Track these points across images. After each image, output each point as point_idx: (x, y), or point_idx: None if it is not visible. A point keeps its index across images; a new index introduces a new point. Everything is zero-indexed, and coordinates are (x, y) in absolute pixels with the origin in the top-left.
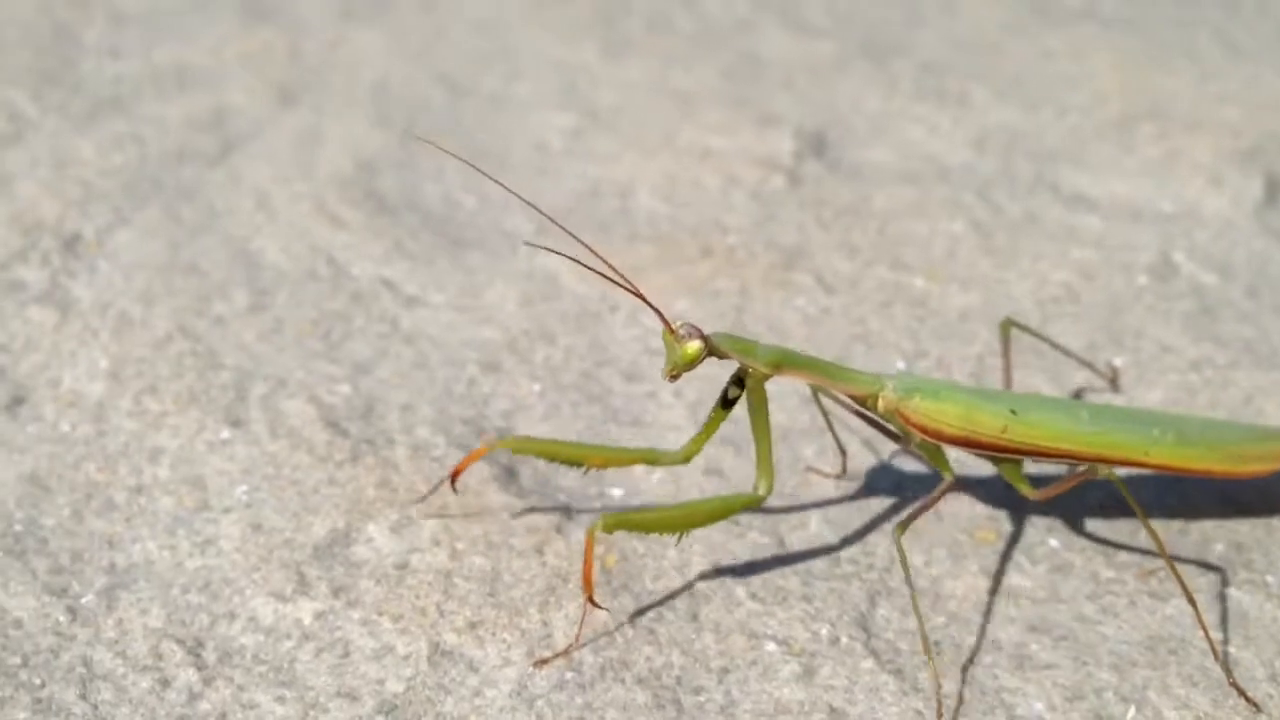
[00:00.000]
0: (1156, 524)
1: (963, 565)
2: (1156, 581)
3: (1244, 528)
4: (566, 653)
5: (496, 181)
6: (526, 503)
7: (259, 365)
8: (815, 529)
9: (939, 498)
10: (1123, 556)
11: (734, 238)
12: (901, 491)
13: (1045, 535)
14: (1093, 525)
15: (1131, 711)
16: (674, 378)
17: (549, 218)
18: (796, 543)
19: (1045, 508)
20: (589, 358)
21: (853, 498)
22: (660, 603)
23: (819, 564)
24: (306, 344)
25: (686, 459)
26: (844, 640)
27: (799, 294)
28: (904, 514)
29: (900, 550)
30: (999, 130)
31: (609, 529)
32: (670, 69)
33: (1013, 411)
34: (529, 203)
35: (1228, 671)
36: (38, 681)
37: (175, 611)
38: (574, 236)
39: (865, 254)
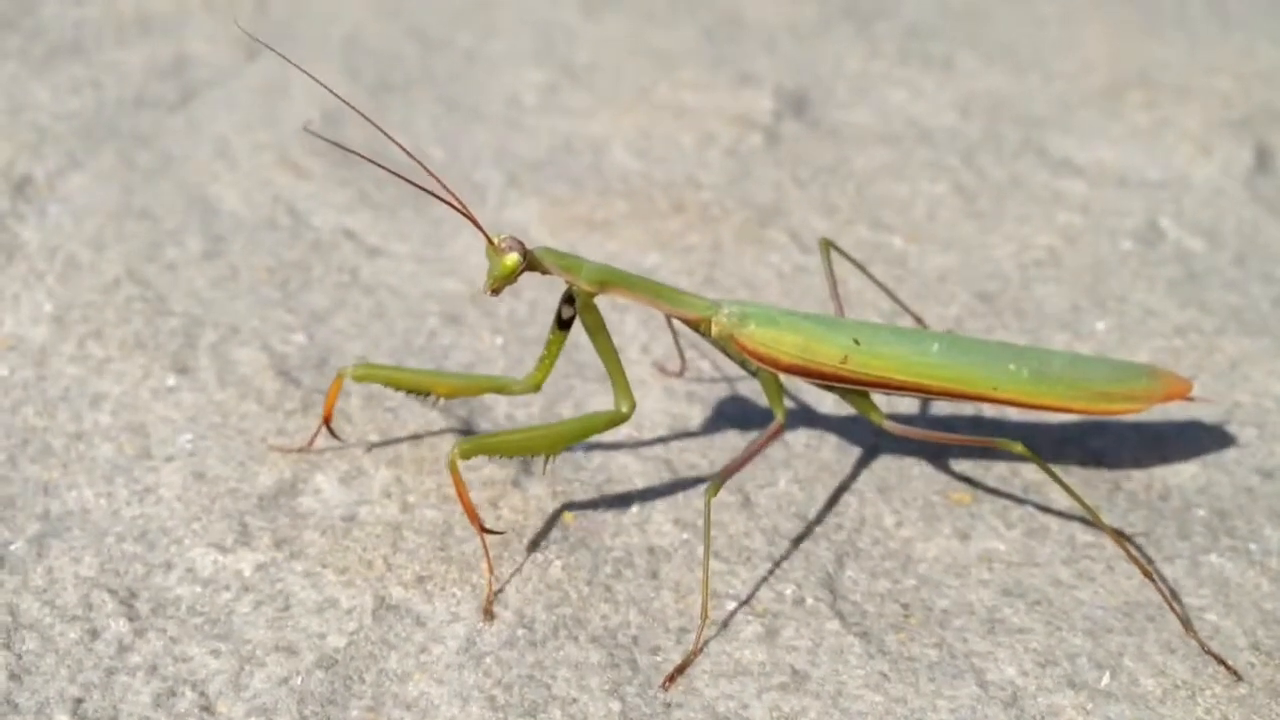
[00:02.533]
0: (1135, 486)
1: (935, 527)
2: (1134, 548)
3: (1226, 492)
4: (490, 591)
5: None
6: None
7: (210, 312)
8: (784, 487)
9: (766, 443)
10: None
11: (708, 194)
12: (877, 452)
13: (1021, 495)
14: (1071, 486)
15: (1106, 678)
16: (495, 292)
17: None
18: (764, 500)
19: (1022, 469)
20: (553, 312)
21: (825, 456)
22: (619, 560)
23: (786, 524)
24: (261, 292)
25: (536, 386)
26: (809, 601)
27: (773, 251)
28: (722, 468)
29: (708, 510)
30: (985, 95)
31: (466, 455)
32: (649, 27)
33: (855, 341)
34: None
35: (1196, 637)
36: None
37: (109, 561)
38: (395, 142)
39: (844, 213)
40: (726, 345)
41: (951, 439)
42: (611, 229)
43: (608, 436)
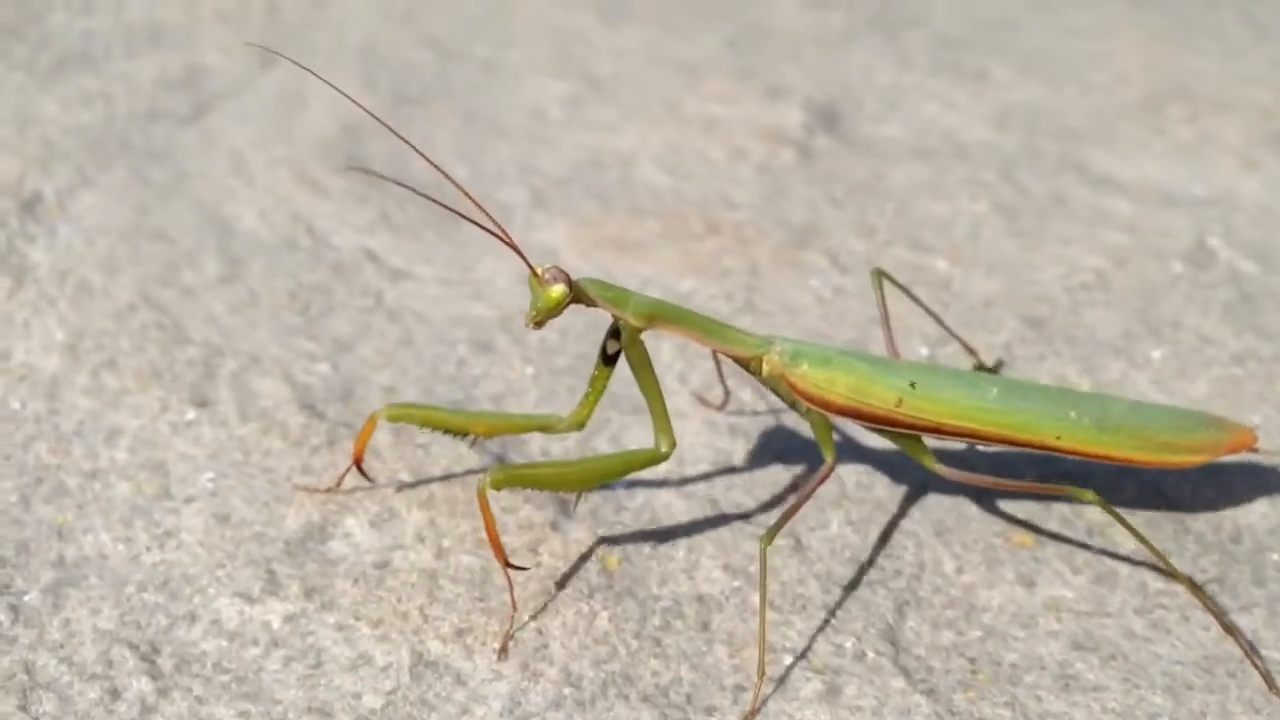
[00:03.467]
0: (1203, 527)
1: (997, 573)
2: (1209, 597)
3: None
4: (509, 629)
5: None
6: (518, 496)
7: (230, 340)
8: (837, 530)
9: (816, 487)
10: (1172, 564)
11: (742, 213)
12: (931, 491)
13: (1086, 540)
14: (1137, 528)
15: None
16: (538, 325)
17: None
18: (817, 544)
19: (1084, 510)
20: (585, 339)
21: (878, 495)
22: (668, 610)
23: (841, 569)
24: (282, 318)
25: (580, 424)
26: (870, 655)
27: (812, 274)
28: (779, 516)
29: (763, 561)
30: (1021, 108)
31: (498, 485)
32: (670, 37)
33: (911, 384)
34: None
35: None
36: None
37: (129, 612)
38: (437, 168)
39: (882, 234)
40: (777, 385)
41: (1016, 486)
42: (644, 251)
43: (648, 473)
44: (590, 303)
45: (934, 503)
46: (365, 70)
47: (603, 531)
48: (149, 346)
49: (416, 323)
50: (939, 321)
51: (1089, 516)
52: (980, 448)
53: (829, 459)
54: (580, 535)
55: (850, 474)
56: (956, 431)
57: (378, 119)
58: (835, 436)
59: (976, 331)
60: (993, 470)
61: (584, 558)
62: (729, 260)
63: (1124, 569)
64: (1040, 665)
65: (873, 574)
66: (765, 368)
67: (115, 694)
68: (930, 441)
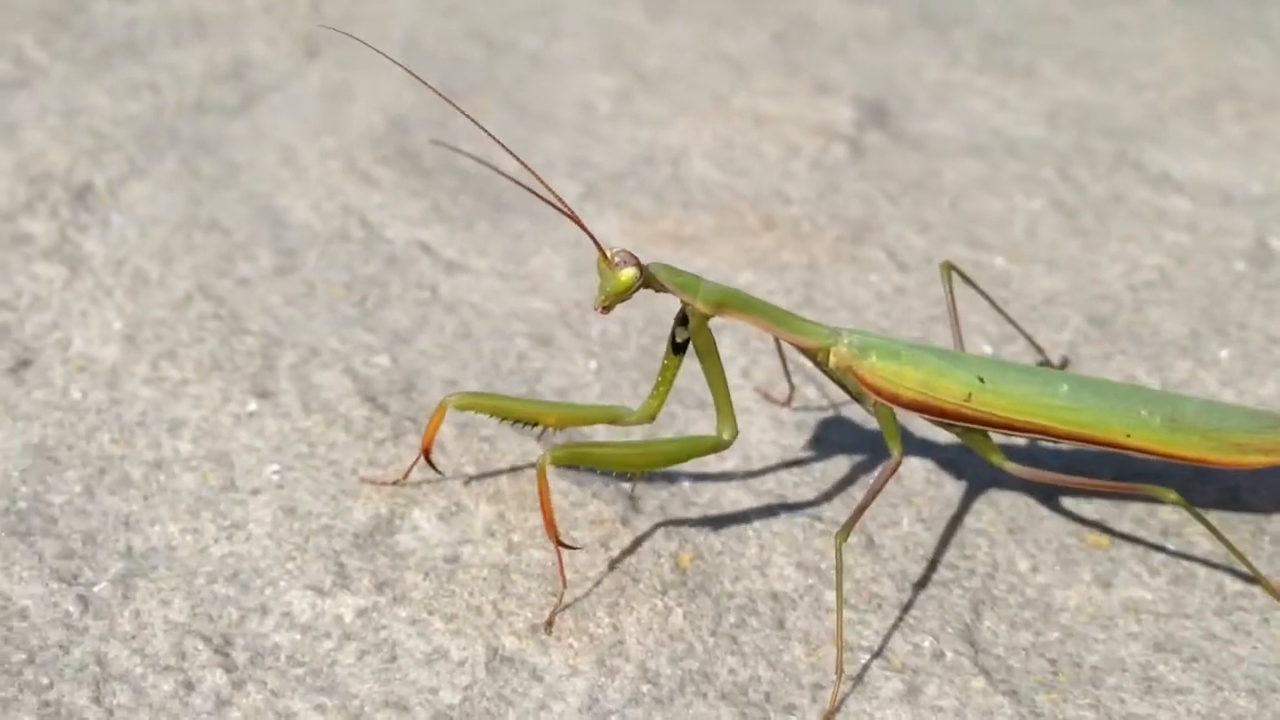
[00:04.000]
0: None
1: (1074, 573)
2: None
3: None
4: (558, 604)
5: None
6: (587, 491)
7: (288, 332)
8: (908, 528)
9: (884, 482)
10: (1255, 566)
11: (797, 208)
12: (1002, 488)
13: (1162, 540)
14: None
15: None
16: (606, 309)
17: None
18: (889, 542)
19: (1159, 509)
20: (648, 333)
21: (948, 493)
22: (742, 607)
23: (915, 567)
24: (339, 310)
25: (651, 416)
26: (949, 655)
27: (871, 270)
28: (850, 513)
29: (839, 558)
30: (1072, 105)
31: (558, 462)
32: (718, 31)
33: (980, 379)
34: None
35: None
36: (45, 681)
37: (200, 604)
38: (490, 135)
39: (939, 230)
40: (844, 377)
41: (1088, 484)
42: (701, 245)
43: (716, 468)
44: (659, 288)
45: (1005, 501)
46: (410, 63)
47: (673, 528)
48: (207, 337)
49: (474, 315)
50: (1006, 317)
51: (1163, 517)
52: (1049, 445)
53: (896, 453)
54: (651, 531)
55: (919, 471)
56: (1026, 427)
57: (452, 103)
58: (898, 428)
59: (1040, 329)
60: (1064, 468)
61: (656, 554)
62: (786, 255)
63: (1201, 570)
64: (1122, 667)
65: (946, 572)
66: (833, 359)
67: (190, 686)
68: (998, 438)
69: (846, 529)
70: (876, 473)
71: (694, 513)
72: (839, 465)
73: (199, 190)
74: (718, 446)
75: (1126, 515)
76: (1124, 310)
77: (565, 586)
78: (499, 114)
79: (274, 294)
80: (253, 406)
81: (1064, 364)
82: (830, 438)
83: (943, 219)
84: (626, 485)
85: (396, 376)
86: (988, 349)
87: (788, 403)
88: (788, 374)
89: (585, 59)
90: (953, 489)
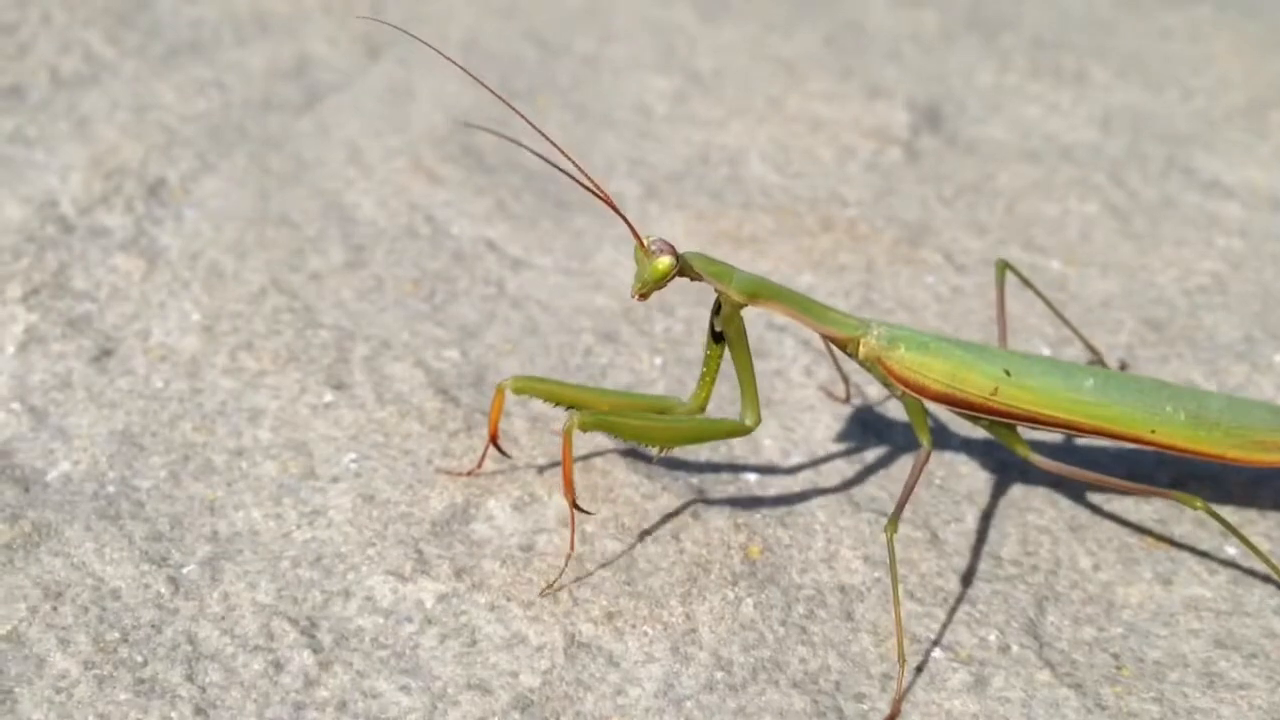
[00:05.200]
0: None
1: (1135, 571)
2: None
3: None
4: (566, 562)
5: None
6: (656, 483)
7: (360, 325)
8: (971, 524)
9: (921, 472)
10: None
11: (854, 210)
12: (1063, 487)
13: (1221, 541)
14: (1270, 529)
15: None
16: (643, 296)
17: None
18: (952, 538)
19: (1219, 509)
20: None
21: (1012, 493)
22: (811, 599)
23: (979, 563)
24: (409, 304)
25: (700, 408)
26: (1014, 648)
27: (928, 272)
28: (893, 507)
29: (891, 549)
30: (1124, 111)
31: (585, 427)
32: (769, 34)
33: (1006, 372)
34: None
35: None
36: (139, 659)
37: (285, 587)
38: (519, 114)
39: (995, 233)
40: (873, 367)
41: (1117, 484)
42: (761, 246)
43: (781, 462)
44: (695, 276)
45: (1066, 500)
46: (469, 63)
47: (741, 521)
48: (283, 329)
49: (540, 311)
50: (1061, 318)
51: (1223, 517)
52: (1076, 440)
53: (926, 444)
54: (720, 524)
55: (980, 470)
56: (1051, 421)
57: (506, 102)
58: (973, 433)
59: (1096, 332)
60: (1091, 465)
61: (726, 545)
62: (845, 256)
63: (1260, 568)
64: (1184, 662)
65: (1010, 568)
66: (862, 350)
67: (279, 666)
68: (1027, 433)
69: (894, 521)
70: (913, 465)
71: (761, 506)
72: (902, 462)
73: (269, 186)
74: (738, 431)
75: (1186, 516)
76: (1179, 314)
77: (573, 550)
78: (559, 114)
79: (345, 288)
80: (329, 397)
81: (1122, 367)
82: (892, 436)
83: (998, 222)
84: (651, 454)
85: (466, 370)
86: (1045, 351)
87: (846, 399)
88: (841, 372)
89: (639, 60)
90: (1015, 487)
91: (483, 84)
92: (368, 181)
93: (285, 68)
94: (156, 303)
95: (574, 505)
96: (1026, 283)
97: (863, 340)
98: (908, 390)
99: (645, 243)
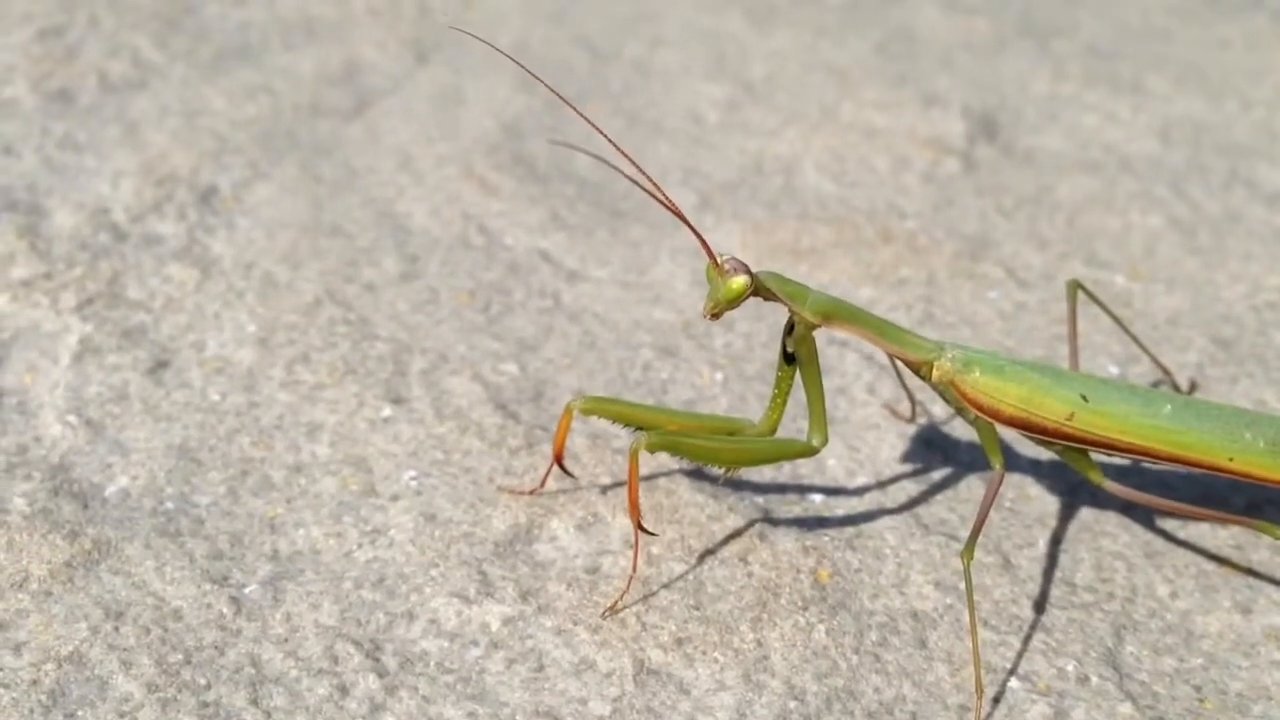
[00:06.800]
0: None
1: (1213, 599)
2: None
3: None
4: (629, 584)
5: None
6: (722, 504)
7: (416, 338)
8: (1044, 549)
9: (993, 496)
10: None
11: (912, 222)
12: (1136, 512)
13: None
14: None
15: None
16: (715, 316)
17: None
18: (1025, 563)
19: None
20: (773, 346)
21: (1083, 516)
22: (883, 625)
23: (1054, 590)
24: (465, 316)
25: (772, 429)
26: (1094, 680)
27: (990, 287)
28: (969, 532)
29: (968, 576)
30: (1183, 121)
31: (653, 449)
32: (820, 41)
33: (1083, 397)
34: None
35: None
36: (203, 681)
37: (348, 609)
38: (596, 128)
39: (1057, 246)
40: (946, 390)
41: (1193, 512)
42: (820, 258)
43: (848, 483)
44: (769, 296)
45: (1140, 525)
46: (520, 69)
47: (810, 544)
48: (339, 341)
49: (598, 325)
50: (1133, 338)
51: None
52: (1150, 466)
53: (998, 466)
54: (788, 547)
55: (1053, 493)
56: (1128, 448)
57: (574, 107)
58: (1034, 453)
59: (1164, 350)
60: (1165, 492)
61: (795, 569)
62: (905, 270)
63: None
64: (1267, 695)
65: (1086, 595)
66: (935, 373)
67: (344, 690)
68: (1100, 458)
69: (970, 547)
70: (984, 489)
71: (829, 529)
72: (971, 484)
73: (320, 194)
74: (806, 452)
75: (1264, 542)
76: (1248, 332)
77: (635, 571)
78: (611, 121)
79: (400, 300)
80: (387, 412)
81: (1192, 386)
82: (960, 457)
83: (1060, 235)
84: (717, 474)
85: (525, 385)
86: (1113, 369)
87: (912, 419)
88: (908, 391)
89: (690, 67)
90: (1086, 511)
91: (557, 94)
92: (419, 189)
93: (334, 73)
94: (211, 313)
95: (639, 527)
96: (1098, 303)
97: (936, 363)
98: (981, 414)
99: (719, 261)
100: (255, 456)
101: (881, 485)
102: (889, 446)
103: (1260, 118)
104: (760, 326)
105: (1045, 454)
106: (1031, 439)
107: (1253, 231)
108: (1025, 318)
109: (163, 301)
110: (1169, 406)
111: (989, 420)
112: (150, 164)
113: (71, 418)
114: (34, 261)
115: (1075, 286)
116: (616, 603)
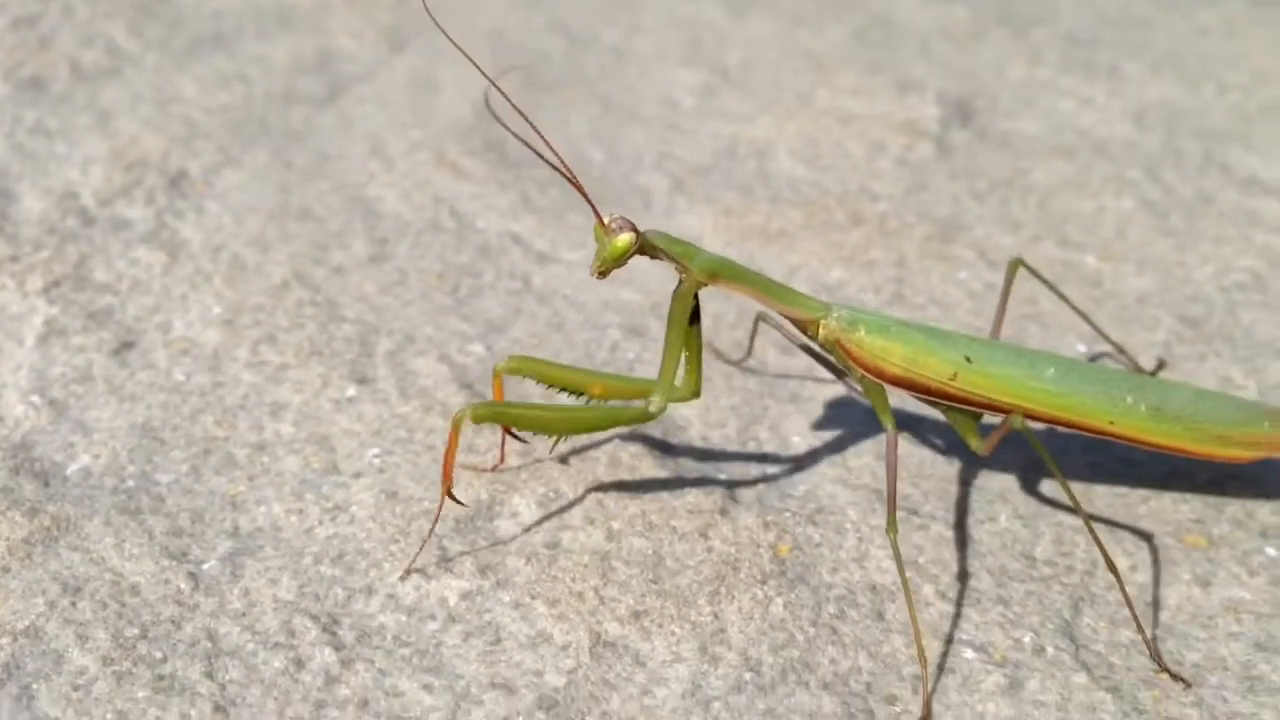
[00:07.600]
0: (1235, 506)
1: (1173, 573)
2: None
3: None
4: (418, 551)
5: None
6: (685, 480)
7: (383, 319)
8: (1005, 524)
9: (895, 459)
10: None
11: (884, 205)
12: (1096, 486)
13: (1260, 542)
14: None
15: None
16: (602, 274)
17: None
18: (986, 538)
19: (1253, 510)
20: (739, 327)
21: (1044, 491)
22: (841, 598)
23: (1013, 564)
24: (433, 299)
25: (695, 392)
26: (1050, 650)
27: (960, 268)
28: (942, 508)
29: (895, 549)
30: (1158, 106)
31: (479, 419)
32: (798, 28)
33: (967, 359)
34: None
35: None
36: (159, 655)
37: (307, 584)
38: (492, 82)
39: (1029, 229)
40: (832, 349)
41: (995, 438)
42: (790, 241)
43: (813, 460)
44: (655, 255)
45: (1102, 500)
46: (496, 54)
47: (771, 519)
48: (306, 323)
49: (566, 306)
50: (1084, 317)
51: (1261, 518)
52: (1036, 427)
53: (890, 427)
54: (749, 522)
55: (1011, 470)
56: (1009, 409)
57: (492, 82)
58: (888, 403)
59: (1133, 329)
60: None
61: (755, 544)
62: (875, 252)
63: None
64: (1223, 666)
65: (1045, 569)
66: (822, 332)
67: (300, 663)
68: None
69: (891, 521)
70: (887, 454)
71: (791, 505)
72: (935, 460)
73: (291, 179)
74: (642, 418)
75: (1225, 518)
76: (1216, 311)
77: (430, 536)
78: (586, 107)
79: (369, 282)
80: (351, 392)
81: (1159, 365)
82: (922, 431)
83: (1032, 218)
84: (548, 443)
85: (490, 365)
86: (1082, 348)
87: (739, 363)
88: (751, 341)
89: (666, 53)
90: (1047, 486)
91: (487, 77)
92: (391, 174)
93: (308, 61)
94: (178, 295)
95: (449, 494)
96: (1044, 281)
97: (823, 322)
98: (866, 374)
99: (606, 221)
100: (218, 435)
101: (845, 463)
102: (854, 424)
103: (1235, 101)
104: (728, 307)
105: (1012, 434)
106: (917, 398)
107: (1225, 214)
108: (994, 298)
109: (129, 284)
110: (1052, 369)
111: (875, 380)
112: (120, 150)
113: (35, 398)
114: (0, 245)
115: (1016, 264)
116: (409, 567)
